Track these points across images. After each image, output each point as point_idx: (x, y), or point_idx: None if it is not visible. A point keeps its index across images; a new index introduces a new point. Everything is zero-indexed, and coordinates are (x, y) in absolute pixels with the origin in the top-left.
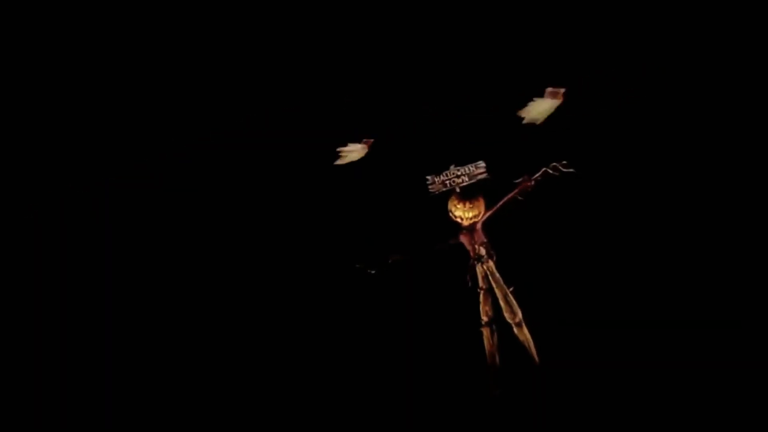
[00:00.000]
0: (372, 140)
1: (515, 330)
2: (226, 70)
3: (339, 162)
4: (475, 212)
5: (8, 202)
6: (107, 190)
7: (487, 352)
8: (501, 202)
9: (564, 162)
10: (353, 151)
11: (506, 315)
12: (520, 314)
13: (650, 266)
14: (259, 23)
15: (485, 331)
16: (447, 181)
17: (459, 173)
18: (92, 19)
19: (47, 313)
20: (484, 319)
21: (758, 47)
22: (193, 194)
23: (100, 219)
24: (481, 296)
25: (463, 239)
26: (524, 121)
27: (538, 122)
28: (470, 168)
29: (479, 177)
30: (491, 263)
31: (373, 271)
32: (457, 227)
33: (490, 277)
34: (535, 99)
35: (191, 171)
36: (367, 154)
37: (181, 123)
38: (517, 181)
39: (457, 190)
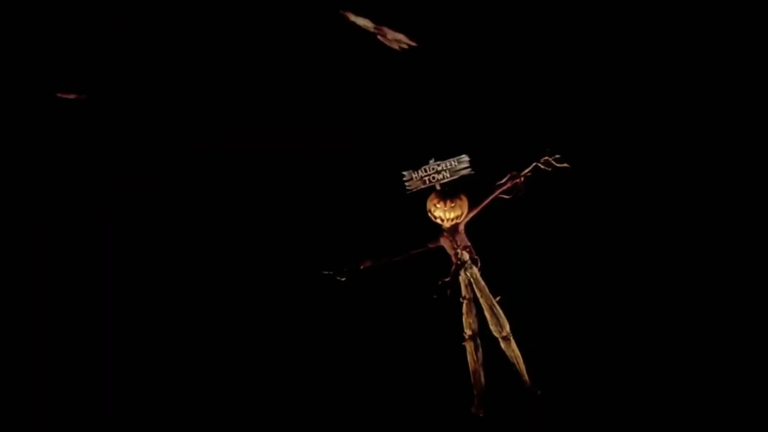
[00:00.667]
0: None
1: (502, 344)
2: (226, 70)
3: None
4: (458, 212)
5: (8, 202)
6: (107, 190)
7: (470, 369)
8: (486, 201)
9: (557, 156)
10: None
11: (492, 328)
12: (507, 327)
13: (655, 272)
14: (258, 23)
15: (469, 346)
16: (426, 178)
17: (439, 168)
18: (93, 19)
19: (47, 313)
20: (468, 332)
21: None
22: (193, 194)
23: (100, 219)
24: (464, 307)
25: (444, 243)
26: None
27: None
28: (452, 163)
29: (462, 173)
30: (475, 269)
31: (342, 279)
32: (437, 229)
33: (474, 285)
34: None
35: (191, 171)
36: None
37: (181, 123)
38: (504, 179)
39: (437, 187)
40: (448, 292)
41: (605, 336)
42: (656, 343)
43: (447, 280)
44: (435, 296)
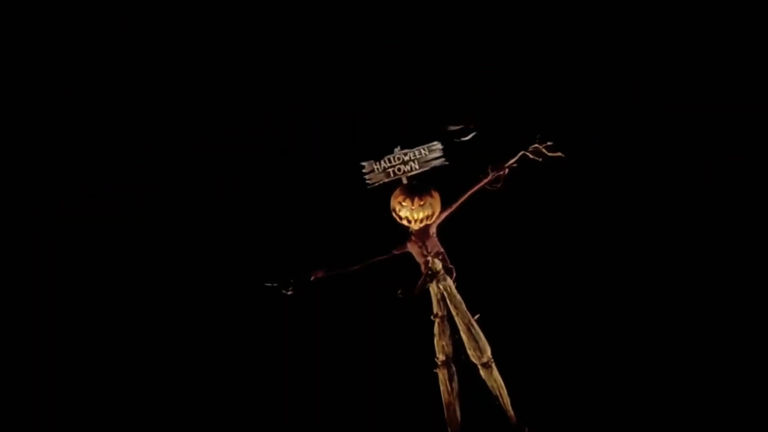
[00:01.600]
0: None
1: (482, 372)
2: (224, 71)
3: None
4: (428, 212)
5: (8, 202)
6: (107, 190)
7: (444, 401)
8: (462, 198)
9: (548, 143)
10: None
11: (470, 352)
12: (488, 351)
13: (663, 281)
14: (256, 23)
15: (441, 374)
16: (390, 170)
17: (406, 158)
18: (92, 19)
19: (47, 312)
20: (441, 357)
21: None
22: (193, 194)
23: (100, 219)
24: (436, 327)
25: (412, 248)
26: None
27: None
28: (422, 151)
29: (434, 163)
30: (450, 281)
31: (288, 292)
32: (403, 232)
33: (449, 301)
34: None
35: (191, 171)
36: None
37: (181, 123)
38: (485, 172)
39: (404, 181)
40: (403, 292)
41: (604, 361)
42: (662, 369)
43: (411, 289)
44: (399, 294)
